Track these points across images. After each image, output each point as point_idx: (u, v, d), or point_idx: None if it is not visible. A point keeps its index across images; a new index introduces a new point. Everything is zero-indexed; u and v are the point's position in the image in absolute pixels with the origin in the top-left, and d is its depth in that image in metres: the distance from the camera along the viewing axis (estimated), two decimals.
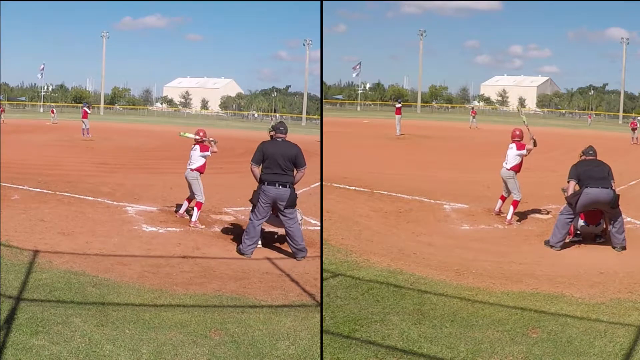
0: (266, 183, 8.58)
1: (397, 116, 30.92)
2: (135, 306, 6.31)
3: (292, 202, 8.67)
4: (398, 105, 31.89)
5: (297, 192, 8.90)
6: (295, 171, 8.74)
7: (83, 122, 29.61)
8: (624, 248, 9.11)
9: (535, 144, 11.21)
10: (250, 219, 8.82)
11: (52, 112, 50.51)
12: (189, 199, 10.93)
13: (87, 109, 30.52)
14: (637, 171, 17.45)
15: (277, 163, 8.57)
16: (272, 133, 8.97)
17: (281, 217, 8.75)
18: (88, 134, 29.25)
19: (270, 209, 8.78)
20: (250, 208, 8.91)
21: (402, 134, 30.44)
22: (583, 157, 9.71)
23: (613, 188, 9.16)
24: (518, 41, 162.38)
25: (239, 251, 8.82)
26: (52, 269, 7.35)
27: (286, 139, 8.85)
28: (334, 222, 10.28)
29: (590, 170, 9.22)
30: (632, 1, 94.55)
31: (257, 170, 8.70)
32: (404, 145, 27.52)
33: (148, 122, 57.36)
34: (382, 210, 11.66)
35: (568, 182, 9.35)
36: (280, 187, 8.57)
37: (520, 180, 11.40)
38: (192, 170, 10.62)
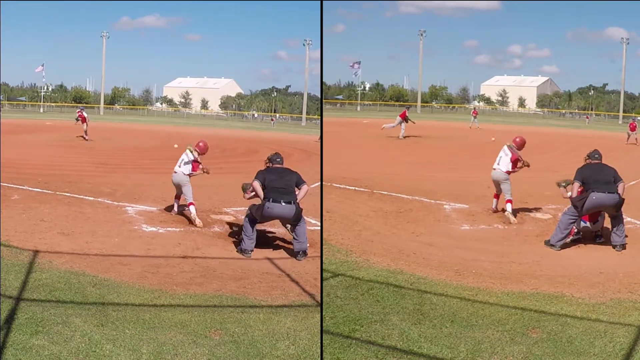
0: (271, 200, 8.67)
1: (399, 118, 30.51)
2: (135, 306, 6.32)
3: (297, 218, 8.78)
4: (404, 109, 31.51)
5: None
6: (297, 190, 8.88)
7: (82, 124, 29.26)
8: (623, 247, 9.12)
9: (527, 165, 11.30)
10: (247, 220, 8.90)
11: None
12: (177, 197, 11.07)
13: (84, 113, 30.12)
14: (637, 171, 17.44)
15: (279, 183, 8.77)
16: (269, 164, 9.20)
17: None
18: (86, 135, 28.97)
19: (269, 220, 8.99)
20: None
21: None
22: (588, 161, 9.70)
23: (619, 192, 9.17)
24: (517, 41, 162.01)
25: (240, 251, 8.86)
26: (52, 269, 7.35)
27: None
28: (334, 222, 10.29)
29: (596, 174, 9.23)
30: (632, 1, 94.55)
31: (259, 185, 8.76)
32: (404, 145, 27.50)
33: (148, 122, 57.38)
34: (382, 210, 11.65)
35: (572, 183, 9.37)
36: (285, 204, 8.68)
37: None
38: (185, 174, 10.82)
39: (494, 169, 11.31)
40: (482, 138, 32.70)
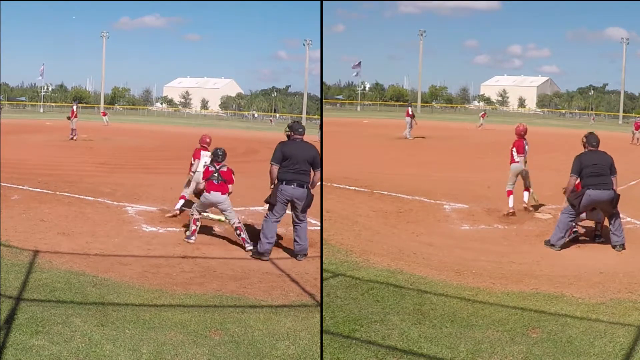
0: (284, 182, 8.50)
1: (407, 118, 30.28)
2: (135, 306, 6.32)
3: (309, 203, 8.63)
4: (408, 108, 31.28)
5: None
6: (312, 172, 8.68)
7: (71, 121, 28.25)
8: (623, 247, 9.08)
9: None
10: (266, 218, 8.68)
11: (104, 114, 49.57)
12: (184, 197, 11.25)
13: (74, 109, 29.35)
14: (637, 171, 17.43)
15: (296, 163, 8.51)
16: (290, 133, 8.80)
17: (293, 215, 8.70)
18: (75, 134, 28.19)
19: (286, 208, 8.68)
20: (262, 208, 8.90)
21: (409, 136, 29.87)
22: (587, 147, 9.46)
23: (614, 188, 9.12)
24: (517, 41, 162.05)
25: (256, 252, 8.65)
26: (52, 269, 7.36)
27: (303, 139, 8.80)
28: (334, 222, 10.28)
29: (593, 166, 9.06)
30: (632, 1, 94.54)
31: (277, 169, 8.55)
32: (404, 145, 27.51)
33: (148, 122, 57.37)
34: (382, 210, 11.65)
35: (570, 176, 9.26)
36: (298, 186, 8.52)
37: (520, 180, 11.55)
38: None
39: (517, 161, 11.58)
40: (482, 138, 32.71)
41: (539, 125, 46.23)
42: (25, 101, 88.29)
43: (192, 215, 9.41)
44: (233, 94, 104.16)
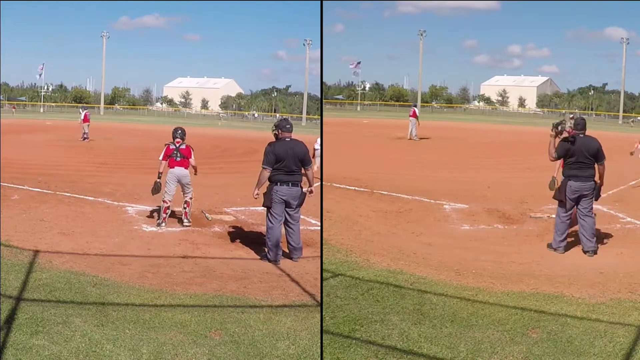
0: (278, 183, 8.42)
1: (412, 119, 30.08)
2: (135, 306, 6.31)
3: (302, 202, 8.61)
4: (414, 108, 31.07)
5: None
6: (302, 170, 8.61)
7: (83, 126, 28.61)
8: (595, 253, 8.77)
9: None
10: (269, 223, 8.52)
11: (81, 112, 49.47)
12: None
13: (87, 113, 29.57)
14: (637, 171, 17.42)
15: (289, 163, 8.44)
16: (277, 132, 8.67)
17: (286, 215, 8.59)
18: (87, 137, 28.42)
19: (284, 208, 8.56)
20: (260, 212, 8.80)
21: (411, 138, 29.59)
22: (572, 132, 8.94)
23: (598, 176, 8.88)
24: (516, 41, 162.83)
25: (269, 260, 8.46)
26: (52, 269, 7.35)
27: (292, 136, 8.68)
28: (334, 222, 10.28)
29: (577, 158, 8.76)
30: (632, 1, 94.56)
31: (269, 173, 8.43)
32: (404, 145, 27.52)
33: (148, 122, 57.33)
34: (382, 210, 11.65)
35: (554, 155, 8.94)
36: (293, 186, 8.48)
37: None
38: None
39: None
40: (482, 138, 32.68)
41: (539, 125, 46.18)
42: (25, 101, 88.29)
43: (164, 202, 10.21)
44: (233, 94, 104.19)
